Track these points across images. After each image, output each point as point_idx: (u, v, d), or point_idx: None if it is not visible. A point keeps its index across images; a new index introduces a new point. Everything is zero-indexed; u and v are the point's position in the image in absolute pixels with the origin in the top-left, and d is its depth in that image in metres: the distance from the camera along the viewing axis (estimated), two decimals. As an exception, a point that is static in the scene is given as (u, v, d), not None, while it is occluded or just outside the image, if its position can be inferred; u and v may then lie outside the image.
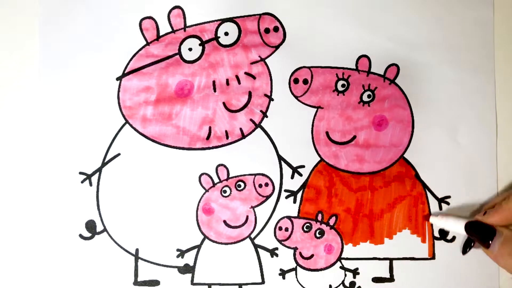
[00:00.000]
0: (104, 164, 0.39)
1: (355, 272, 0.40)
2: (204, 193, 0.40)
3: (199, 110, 0.40)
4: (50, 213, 0.39)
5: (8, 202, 0.39)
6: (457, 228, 0.39)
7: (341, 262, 0.40)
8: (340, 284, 0.40)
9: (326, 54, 0.40)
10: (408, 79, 0.41)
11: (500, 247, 0.36)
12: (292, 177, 0.40)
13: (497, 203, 0.38)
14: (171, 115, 0.40)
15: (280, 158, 0.40)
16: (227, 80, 0.40)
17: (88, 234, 0.39)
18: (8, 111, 0.39)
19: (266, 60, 0.40)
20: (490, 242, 0.37)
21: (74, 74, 0.39)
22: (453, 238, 0.40)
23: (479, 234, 0.37)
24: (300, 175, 0.40)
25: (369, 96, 0.40)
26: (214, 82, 0.40)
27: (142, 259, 0.39)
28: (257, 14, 0.40)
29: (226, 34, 0.40)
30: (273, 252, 0.40)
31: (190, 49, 0.40)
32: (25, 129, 0.39)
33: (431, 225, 0.40)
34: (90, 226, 0.39)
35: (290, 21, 0.40)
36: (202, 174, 0.40)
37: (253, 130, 0.40)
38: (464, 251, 0.40)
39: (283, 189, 0.40)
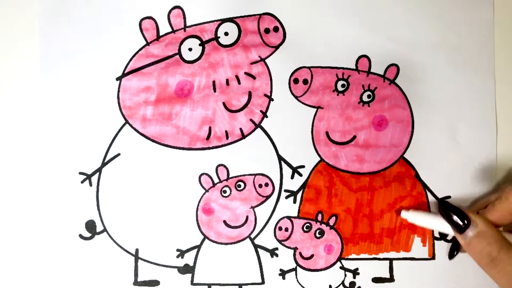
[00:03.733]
0: (104, 164, 0.39)
1: (355, 272, 0.40)
2: (204, 193, 0.40)
3: (199, 110, 0.40)
4: (50, 213, 0.39)
5: (8, 202, 0.39)
6: (427, 222, 0.38)
7: (341, 262, 0.40)
8: (340, 284, 0.40)
9: (326, 54, 0.40)
10: (408, 79, 0.41)
11: (473, 239, 0.35)
12: (292, 177, 0.40)
13: (489, 204, 0.37)
14: (171, 115, 0.40)
15: (280, 158, 0.40)
16: (227, 80, 0.40)
17: (88, 234, 0.39)
18: (8, 111, 0.39)
19: (266, 60, 0.40)
20: (463, 226, 0.35)
21: (74, 74, 0.39)
22: (453, 238, 0.40)
23: (452, 218, 0.36)
24: (300, 175, 0.40)
25: (369, 96, 0.40)
26: (214, 82, 0.40)
27: (142, 259, 0.39)
28: (257, 14, 0.40)
29: (226, 34, 0.40)
30: (273, 252, 0.40)
31: (190, 49, 0.40)
32: (25, 129, 0.39)
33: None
34: (90, 226, 0.39)
35: (290, 21, 0.40)
36: (202, 174, 0.40)
37: (253, 130, 0.40)
38: (451, 256, 0.39)
39: (283, 189, 0.40)
